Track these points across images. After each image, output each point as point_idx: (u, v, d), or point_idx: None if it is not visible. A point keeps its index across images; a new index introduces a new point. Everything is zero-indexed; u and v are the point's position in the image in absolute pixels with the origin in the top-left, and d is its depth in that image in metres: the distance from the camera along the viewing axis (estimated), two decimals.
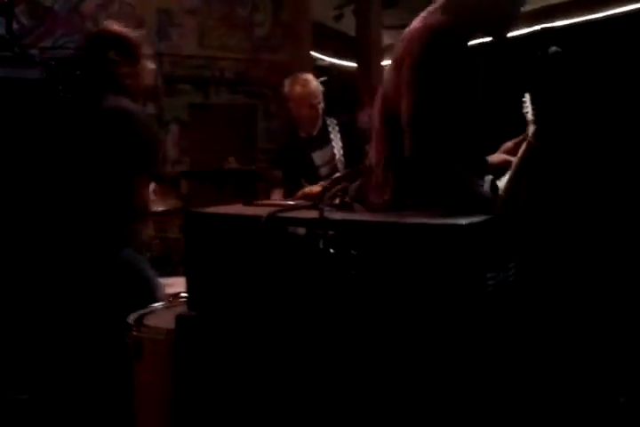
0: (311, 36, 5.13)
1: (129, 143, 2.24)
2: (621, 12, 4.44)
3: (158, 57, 4.26)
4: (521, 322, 1.34)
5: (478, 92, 1.84)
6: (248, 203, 1.64)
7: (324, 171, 3.24)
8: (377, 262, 1.25)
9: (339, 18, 6.37)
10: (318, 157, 3.24)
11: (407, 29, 1.81)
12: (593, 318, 2.72)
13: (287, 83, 3.25)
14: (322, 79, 3.43)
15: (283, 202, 1.62)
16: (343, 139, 3.25)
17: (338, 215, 1.36)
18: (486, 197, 1.68)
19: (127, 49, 2.38)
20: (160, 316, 2.10)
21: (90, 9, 4.02)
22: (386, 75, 1.89)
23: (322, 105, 3.22)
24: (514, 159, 2.04)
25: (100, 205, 2.27)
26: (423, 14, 1.81)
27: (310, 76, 3.24)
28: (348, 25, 5.75)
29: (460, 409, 1.17)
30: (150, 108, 4.25)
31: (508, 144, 2.16)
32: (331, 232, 1.32)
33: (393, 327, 1.24)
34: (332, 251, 1.32)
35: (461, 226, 1.14)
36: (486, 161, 1.97)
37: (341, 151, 3.21)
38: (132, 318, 2.07)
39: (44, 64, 3.78)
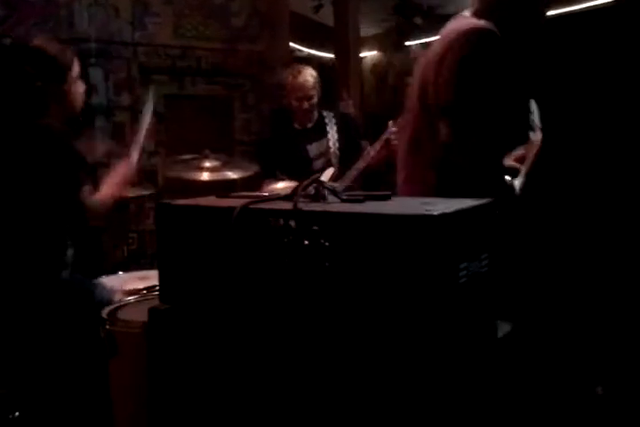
0: (289, 27, 5.10)
1: (47, 163, 2.16)
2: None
3: (133, 47, 4.21)
4: (495, 314, 1.34)
5: (518, 91, 1.97)
6: (222, 195, 1.62)
7: (318, 164, 3.23)
8: (351, 254, 1.24)
9: (317, 8, 6.34)
10: (313, 149, 3.22)
11: (446, 29, 1.99)
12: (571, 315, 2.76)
13: (284, 74, 3.25)
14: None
15: (256, 193, 1.61)
16: (339, 132, 3.23)
17: (311, 206, 1.35)
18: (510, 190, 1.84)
19: (49, 66, 2.23)
20: (134, 309, 2.09)
21: None
22: (422, 71, 2.02)
23: (316, 98, 3.17)
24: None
25: (30, 230, 2.19)
26: (462, 17, 1.99)
27: (306, 68, 3.21)
28: (327, 16, 5.73)
29: (432, 401, 1.17)
30: (124, 99, 4.19)
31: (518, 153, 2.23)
32: (304, 223, 1.31)
33: (366, 319, 1.23)
34: (305, 242, 1.31)
35: (433, 216, 1.14)
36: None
37: (337, 144, 3.20)
38: (105, 312, 2.05)
39: None
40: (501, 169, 1.96)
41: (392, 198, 1.44)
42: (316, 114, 3.27)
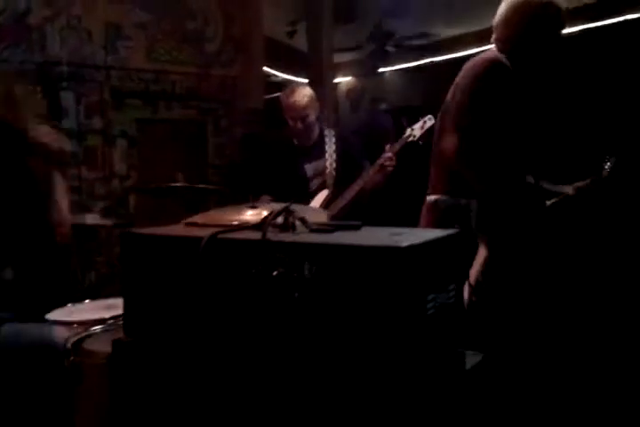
0: (263, 52, 5.14)
1: None
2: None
3: (106, 70, 4.20)
4: (462, 345, 1.34)
5: (530, 113, 2.14)
6: (190, 223, 1.60)
7: (314, 184, 3.14)
8: (319, 285, 1.23)
9: (291, 34, 6.42)
10: (311, 168, 3.14)
11: (466, 66, 2.23)
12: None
13: (282, 94, 3.14)
14: (275, 95, 3.39)
15: (226, 222, 1.58)
16: (338, 152, 3.14)
17: (280, 237, 1.34)
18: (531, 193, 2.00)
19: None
20: (100, 339, 2.04)
21: (36, 21, 3.92)
22: (447, 100, 2.30)
23: (312, 117, 3.10)
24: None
25: None
26: (482, 54, 2.24)
27: (300, 88, 3.14)
28: (301, 41, 5.79)
29: None
30: (96, 123, 4.16)
31: None
32: (273, 254, 1.29)
33: (335, 351, 1.22)
34: (274, 273, 1.30)
35: (401, 248, 1.13)
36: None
37: (334, 165, 3.12)
38: (70, 342, 2.00)
39: None
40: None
41: (362, 228, 1.43)
42: (316, 132, 3.18)
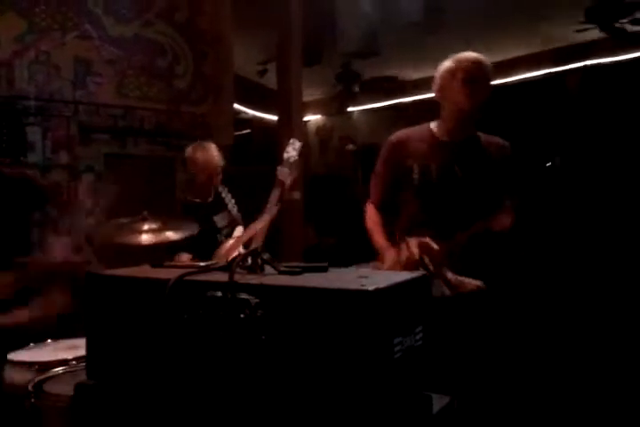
0: (233, 89, 5.20)
1: None
2: None
3: (74, 105, 4.19)
4: (429, 388, 1.34)
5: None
6: (157, 264, 1.59)
7: (225, 232, 3.35)
8: (287, 327, 1.23)
9: (262, 73, 6.53)
10: (219, 219, 3.33)
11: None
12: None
13: (191, 150, 3.30)
14: (244, 132, 3.47)
15: (193, 264, 1.58)
16: (237, 204, 3.39)
17: (248, 278, 1.33)
18: None
19: None
20: (62, 382, 1.99)
21: (5, 56, 3.91)
22: None
23: (220, 175, 3.31)
24: None
25: None
26: None
27: (211, 146, 3.32)
28: (272, 80, 5.89)
29: None
30: (62, 158, 4.12)
31: None
32: (240, 296, 1.29)
33: (301, 394, 1.21)
34: (241, 315, 1.29)
35: (368, 292, 1.14)
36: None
37: (239, 215, 3.35)
38: (31, 384, 1.95)
39: None
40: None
41: (329, 270, 1.44)
42: (214, 190, 3.42)
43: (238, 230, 3.31)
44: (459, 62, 2.18)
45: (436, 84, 2.24)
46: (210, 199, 3.37)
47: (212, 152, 3.28)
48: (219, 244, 3.28)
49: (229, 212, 3.37)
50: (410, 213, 2.28)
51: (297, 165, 2.93)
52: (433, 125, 2.33)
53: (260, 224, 2.97)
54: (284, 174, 2.95)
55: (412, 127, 2.38)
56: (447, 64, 2.21)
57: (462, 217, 2.17)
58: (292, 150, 2.99)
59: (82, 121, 4.23)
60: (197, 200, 3.37)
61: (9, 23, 3.94)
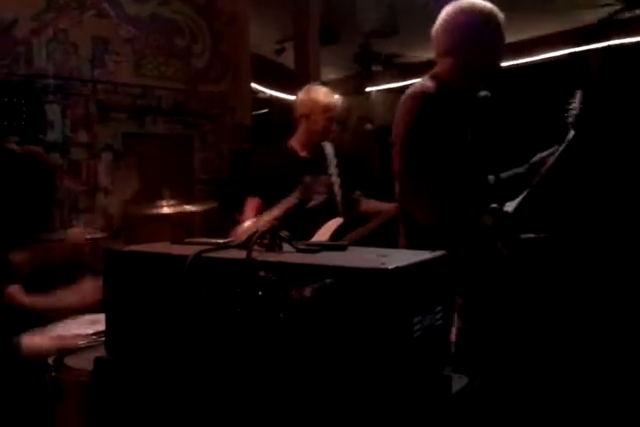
0: (251, 69, 5.16)
1: None
2: None
3: (92, 84, 4.19)
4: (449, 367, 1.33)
5: (467, 137, 2.03)
6: (176, 241, 1.59)
7: (315, 199, 2.87)
8: (305, 305, 1.22)
9: (280, 52, 6.47)
10: (311, 182, 2.86)
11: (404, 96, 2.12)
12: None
13: (305, 91, 2.96)
14: (262, 111, 3.34)
15: (212, 240, 1.58)
16: (340, 170, 2.94)
17: (265, 256, 1.33)
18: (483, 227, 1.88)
19: None
20: (82, 356, 2.01)
21: (23, 33, 3.90)
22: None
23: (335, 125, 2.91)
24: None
25: None
26: (417, 82, 2.15)
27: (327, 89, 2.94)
28: (289, 58, 5.84)
29: None
30: (81, 136, 4.14)
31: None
32: (258, 273, 1.28)
33: (319, 372, 1.21)
34: (259, 293, 1.29)
35: (387, 270, 1.13)
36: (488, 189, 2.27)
37: (340, 189, 2.88)
38: (51, 359, 1.98)
39: None
40: (466, 221, 2.03)
41: (348, 249, 1.43)
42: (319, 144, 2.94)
43: (336, 221, 2.82)
44: None
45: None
46: (308, 155, 2.92)
47: (332, 95, 2.92)
48: (304, 211, 2.78)
49: (328, 178, 2.89)
50: None
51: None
52: None
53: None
54: None
55: None
56: None
57: None
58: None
59: (100, 100, 4.22)
60: (296, 148, 2.93)
61: (27, 2, 3.93)
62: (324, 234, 2.76)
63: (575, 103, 2.67)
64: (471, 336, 1.93)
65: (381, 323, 1.13)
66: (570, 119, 2.54)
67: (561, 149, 2.43)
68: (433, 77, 2.13)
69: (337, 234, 2.82)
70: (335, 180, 2.90)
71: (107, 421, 1.50)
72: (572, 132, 2.50)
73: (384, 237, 2.61)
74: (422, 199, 1.97)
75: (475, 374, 1.38)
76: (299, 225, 2.52)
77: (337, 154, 2.98)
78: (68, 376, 1.88)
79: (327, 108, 2.90)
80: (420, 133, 1.97)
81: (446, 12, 2.12)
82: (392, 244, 2.04)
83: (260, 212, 2.80)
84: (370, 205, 2.99)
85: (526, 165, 2.45)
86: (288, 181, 2.80)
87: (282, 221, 2.43)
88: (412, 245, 1.92)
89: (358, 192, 3.03)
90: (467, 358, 1.45)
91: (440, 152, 1.99)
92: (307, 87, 3.03)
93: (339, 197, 2.89)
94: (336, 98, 2.95)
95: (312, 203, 2.84)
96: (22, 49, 3.90)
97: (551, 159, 2.38)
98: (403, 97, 2.10)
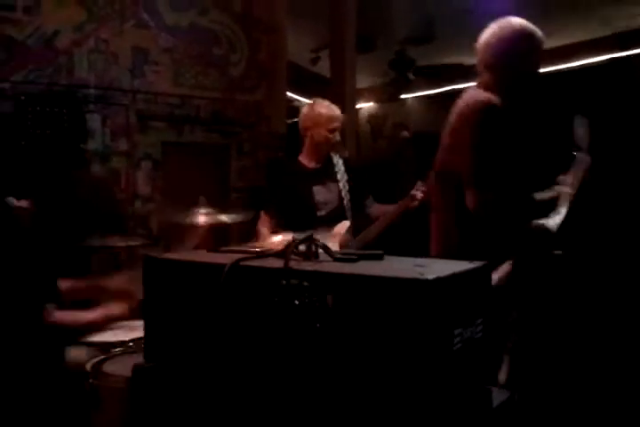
0: (286, 77, 5.19)
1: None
2: None
3: (132, 94, 4.27)
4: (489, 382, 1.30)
5: (529, 143, 2.07)
6: (213, 249, 1.60)
7: (325, 209, 3.01)
8: (342, 315, 1.21)
9: (315, 60, 6.49)
10: (319, 192, 3.01)
11: (459, 102, 2.16)
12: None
13: (309, 105, 3.04)
14: (297, 120, 3.37)
15: (249, 249, 1.58)
16: (348, 177, 3.05)
17: (303, 265, 1.32)
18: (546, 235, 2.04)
19: None
20: (120, 362, 2.03)
21: (64, 44, 4.01)
22: (442, 142, 2.22)
23: (339, 136, 3.00)
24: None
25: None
26: (471, 91, 2.19)
27: (328, 102, 3.04)
28: (325, 67, 5.85)
29: None
30: (121, 145, 4.22)
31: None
32: (295, 282, 1.28)
33: (356, 384, 1.19)
34: (296, 302, 1.28)
35: (428, 281, 1.11)
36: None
37: (348, 195, 3.01)
38: (89, 365, 2.00)
39: (15, 98, 3.73)
40: (526, 228, 2.05)
41: (385, 258, 1.41)
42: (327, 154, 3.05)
43: (343, 225, 2.90)
44: None
45: None
46: (316, 166, 3.03)
47: (333, 106, 2.98)
48: (317, 218, 2.90)
49: (337, 185, 3.00)
50: None
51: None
52: None
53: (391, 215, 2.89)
54: (428, 183, 2.87)
55: None
56: None
57: None
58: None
59: (140, 109, 4.31)
60: (309, 166, 3.03)
61: (69, 12, 4.03)
62: (333, 237, 2.84)
63: (580, 132, 2.58)
64: (521, 349, 1.90)
65: (421, 335, 1.11)
66: (577, 149, 2.50)
67: (578, 170, 2.37)
68: (485, 88, 2.17)
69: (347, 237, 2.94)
70: (343, 187, 3.01)
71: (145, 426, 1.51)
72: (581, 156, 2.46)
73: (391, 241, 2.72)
74: (499, 212, 2.03)
75: (517, 389, 1.35)
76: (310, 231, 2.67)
77: (345, 162, 3.11)
78: (105, 383, 1.90)
79: (329, 120, 2.98)
80: (490, 147, 2.01)
81: (490, 28, 2.20)
82: (399, 246, 2.03)
83: (275, 225, 2.93)
84: (380, 209, 3.08)
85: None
86: (298, 193, 2.97)
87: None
88: (466, 253, 1.92)
89: (370, 198, 3.12)
90: (516, 372, 1.42)
91: (510, 165, 2.05)
92: (313, 102, 3.11)
93: (347, 203, 3.01)
94: (338, 112, 3.03)
95: (320, 213, 2.99)
96: (64, 59, 4.00)
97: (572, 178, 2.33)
98: (461, 107, 2.13)
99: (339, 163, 3.08)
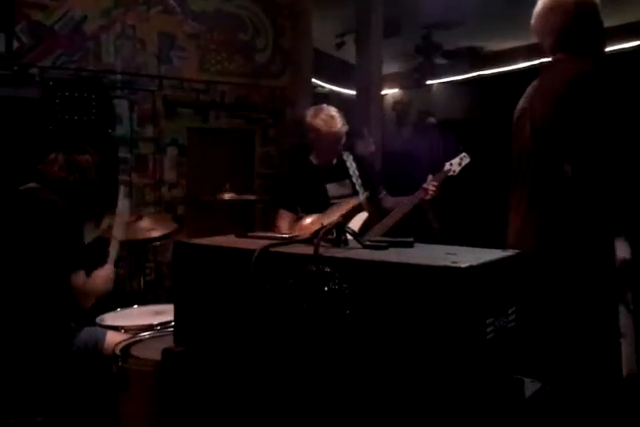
0: (311, 63, 5.16)
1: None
2: None
3: (158, 80, 4.28)
4: (522, 371, 1.29)
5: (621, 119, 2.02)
6: (241, 234, 1.60)
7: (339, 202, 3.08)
8: (372, 302, 1.20)
9: (340, 46, 6.43)
10: (333, 189, 3.10)
11: (549, 74, 2.06)
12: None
13: (312, 114, 3.07)
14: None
15: (277, 235, 1.58)
16: (360, 172, 3.13)
17: (332, 252, 1.32)
18: None
19: None
20: (148, 346, 2.05)
21: (92, 29, 4.02)
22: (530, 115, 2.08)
23: (344, 139, 3.07)
24: None
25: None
26: (561, 62, 2.08)
27: (334, 113, 3.07)
28: (349, 53, 5.80)
29: None
30: (148, 131, 4.24)
31: None
32: (325, 269, 1.27)
33: (386, 371, 1.19)
34: (325, 288, 1.28)
35: (461, 269, 1.09)
36: None
37: (359, 181, 3.10)
38: (118, 348, 2.02)
39: (43, 83, 3.76)
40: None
41: (415, 246, 1.40)
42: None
43: (360, 217, 3.01)
44: None
45: None
46: (327, 166, 3.12)
47: (339, 122, 3.01)
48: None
49: (350, 181, 3.09)
50: None
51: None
52: None
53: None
54: (438, 177, 2.93)
55: None
56: None
57: None
58: (456, 164, 2.98)
59: (166, 95, 4.32)
60: (319, 165, 3.14)
61: None
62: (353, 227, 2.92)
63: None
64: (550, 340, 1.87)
65: (452, 324, 1.10)
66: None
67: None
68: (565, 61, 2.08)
69: (363, 228, 2.98)
70: (356, 181, 3.11)
71: (174, 410, 1.53)
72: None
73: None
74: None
75: (548, 379, 1.33)
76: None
77: (355, 159, 3.18)
78: (134, 366, 1.92)
79: (329, 137, 3.03)
80: (591, 109, 1.93)
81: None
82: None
83: (292, 222, 3.02)
84: (394, 201, 3.15)
85: None
86: (312, 192, 3.06)
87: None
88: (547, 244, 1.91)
89: (384, 191, 3.19)
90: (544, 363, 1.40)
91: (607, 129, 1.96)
92: (314, 110, 3.11)
93: (362, 197, 3.09)
94: (339, 125, 3.02)
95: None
96: (91, 45, 4.02)
97: None
98: (547, 80, 2.05)
99: (349, 159, 3.16)
